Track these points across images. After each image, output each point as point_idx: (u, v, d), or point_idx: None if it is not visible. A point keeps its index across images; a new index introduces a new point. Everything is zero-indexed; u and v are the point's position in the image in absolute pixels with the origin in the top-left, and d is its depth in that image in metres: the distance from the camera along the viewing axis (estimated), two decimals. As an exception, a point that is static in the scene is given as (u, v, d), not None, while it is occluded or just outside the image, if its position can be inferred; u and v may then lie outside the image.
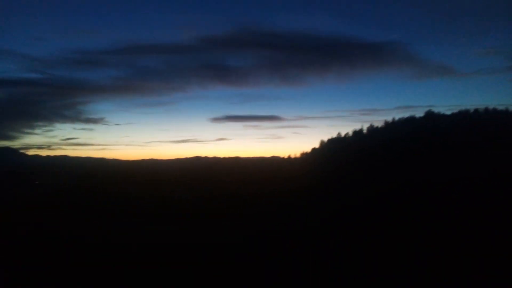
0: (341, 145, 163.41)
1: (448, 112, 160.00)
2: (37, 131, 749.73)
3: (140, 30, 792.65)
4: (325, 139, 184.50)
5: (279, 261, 26.32)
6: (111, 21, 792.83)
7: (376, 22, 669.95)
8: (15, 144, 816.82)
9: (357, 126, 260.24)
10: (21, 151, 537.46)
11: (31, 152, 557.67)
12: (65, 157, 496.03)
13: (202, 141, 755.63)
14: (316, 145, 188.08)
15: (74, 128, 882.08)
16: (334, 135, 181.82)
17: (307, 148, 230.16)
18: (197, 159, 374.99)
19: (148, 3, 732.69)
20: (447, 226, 43.26)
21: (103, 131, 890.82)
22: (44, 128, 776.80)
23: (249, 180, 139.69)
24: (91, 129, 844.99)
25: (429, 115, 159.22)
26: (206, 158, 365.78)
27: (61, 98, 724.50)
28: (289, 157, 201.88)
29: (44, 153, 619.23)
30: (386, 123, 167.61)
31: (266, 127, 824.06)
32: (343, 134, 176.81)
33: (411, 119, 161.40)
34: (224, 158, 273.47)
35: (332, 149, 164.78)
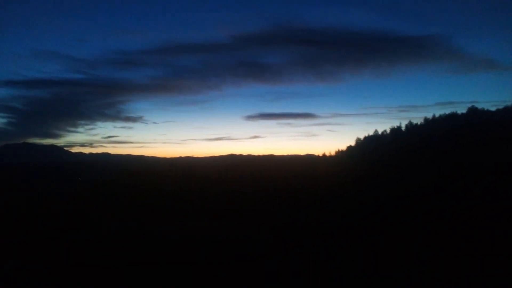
0: (378, 143, 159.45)
1: (493, 108, 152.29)
2: (80, 129, 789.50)
3: (177, 30, 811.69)
4: (361, 136, 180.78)
5: (314, 259, 25.95)
6: (150, 22, 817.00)
7: (415, 15, 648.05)
8: (60, 142, 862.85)
9: (395, 123, 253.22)
10: (66, 148, 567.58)
11: (74, 150, 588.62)
12: (106, 155, 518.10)
13: (236, 139, 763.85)
14: (352, 143, 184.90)
15: (115, 127, 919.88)
16: (371, 132, 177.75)
17: (342, 146, 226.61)
18: (232, 156, 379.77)
19: (185, 3, 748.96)
20: (494, 228, 41.08)
21: (141, 129, 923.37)
22: (87, 127, 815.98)
23: (283, 178, 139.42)
24: (130, 128, 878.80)
25: (472, 111, 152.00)
26: (240, 155, 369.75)
27: (102, 98, 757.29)
28: (323, 155, 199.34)
29: (86, 150, 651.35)
30: (426, 120, 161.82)
31: (300, 124, 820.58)
32: (380, 132, 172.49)
33: (453, 116, 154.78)
34: (258, 156, 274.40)
35: (368, 147, 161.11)
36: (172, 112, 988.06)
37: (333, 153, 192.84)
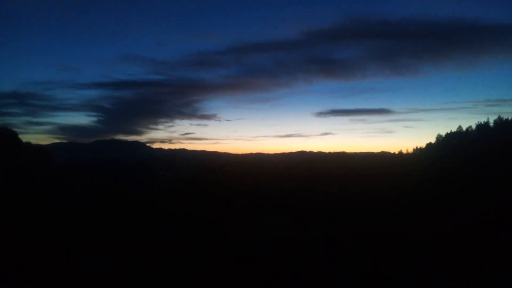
0: (462, 141, 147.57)
1: None
2: (160, 126, 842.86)
3: (249, 29, 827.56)
4: (443, 133, 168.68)
5: (389, 267, 25.28)
6: (223, 23, 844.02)
7: (503, 1, 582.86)
8: (142, 138, 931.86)
9: (481, 119, 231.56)
10: (147, 144, 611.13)
11: (155, 146, 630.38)
12: (183, 150, 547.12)
13: (306, 135, 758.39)
14: (432, 140, 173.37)
15: (191, 124, 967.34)
16: (454, 129, 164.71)
17: (421, 144, 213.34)
18: (302, 153, 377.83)
19: (256, 2, 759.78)
20: None
21: (215, 127, 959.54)
22: (166, 124, 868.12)
23: (356, 176, 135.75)
24: (205, 125, 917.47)
25: None
26: (311, 152, 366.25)
27: (180, 97, 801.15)
28: (400, 153, 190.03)
29: (166, 146, 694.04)
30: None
31: (375, 121, 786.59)
32: (464, 128, 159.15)
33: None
34: (330, 153, 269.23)
35: (451, 144, 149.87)
36: (244, 110, 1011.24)
37: (410, 150, 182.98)
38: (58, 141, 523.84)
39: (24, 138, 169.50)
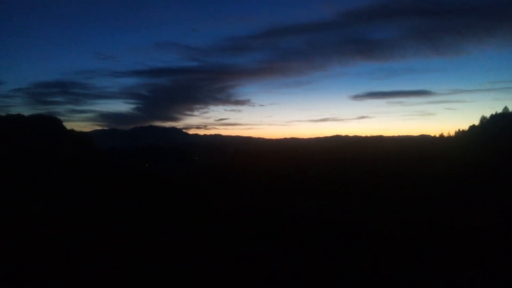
0: (507, 122, 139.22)
1: None
2: (195, 113, 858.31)
3: (282, 12, 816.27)
4: (487, 115, 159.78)
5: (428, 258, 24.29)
6: (256, 7, 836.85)
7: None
8: (179, 124, 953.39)
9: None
10: (184, 130, 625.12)
11: (191, 131, 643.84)
12: (218, 136, 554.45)
13: (342, 119, 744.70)
14: (475, 122, 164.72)
15: (225, 110, 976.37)
16: (499, 110, 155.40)
17: (464, 126, 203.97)
18: (337, 138, 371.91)
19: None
20: None
21: (249, 112, 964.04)
22: (201, 110, 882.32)
23: (395, 160, 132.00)
24: (239, 110, 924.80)
25: None
26: (346, 137, 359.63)
27: (214, 83, 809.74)
28: (441, 136, 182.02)
29: (201, 132, 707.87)
30: None
31: (414, 103, 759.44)
32: (511, 109, 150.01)
33: None
34: (366, 137, 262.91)
35: (496, 126, 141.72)
36: (278, 95, 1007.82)
37: (452, 133, 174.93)
38: (100, 128, 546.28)
39: (68, 125, 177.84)
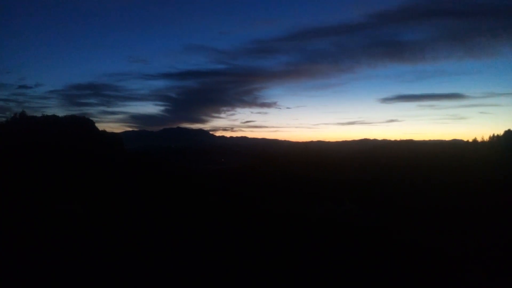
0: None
1: None
2: (222, 115, 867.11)
3: (310, 14, 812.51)
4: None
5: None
6: (283, 9, 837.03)
7: None
8: (206, 126, 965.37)
9: None
10: (211, 132, 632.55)
11: (218, 134, 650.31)
12: (244, 138, 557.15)
13: (370, 123, 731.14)
14: (511, 126, 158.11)
15: (252, 112, 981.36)
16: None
17: (498, 131, 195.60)
18: (365, 141, 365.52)
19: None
20: None
21: (275, 114, 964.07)
22: (228, 113, 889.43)
23: (426, 166, 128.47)
24: (265, 113, 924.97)
25: None
26: (374, 140, 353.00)
27: (241, 85, 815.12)
28: (474, 141, 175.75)
29: (228, 134, 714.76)
30: None
31: (445, 106, 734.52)
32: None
33: None
34: (395, 141, 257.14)
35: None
36: (304, 97, 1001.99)
37: (486, 138, 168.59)
38: (130, 129, 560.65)
39: (100, 126, 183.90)
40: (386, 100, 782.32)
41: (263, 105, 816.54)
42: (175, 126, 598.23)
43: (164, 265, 18.11)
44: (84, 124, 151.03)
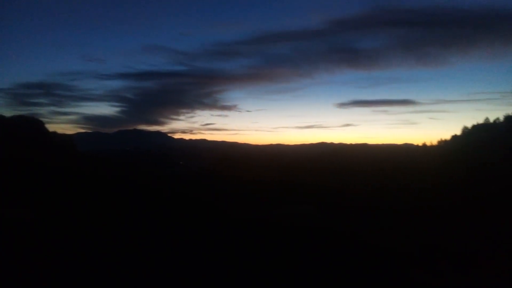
0: (489, 133, 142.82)
1: None
2: (181, 117, 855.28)
3: (271, 18, 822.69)
4: (469, 125, 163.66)
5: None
6: (245, 13, 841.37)
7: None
8: (164, 128, 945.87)
9: (510, 110, 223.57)
10: (169, 134, 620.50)
11: (176, 136, 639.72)
12: (204, 141, 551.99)
13: (327, 126, 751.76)
14: (457, 132, 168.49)
15: (212, 115, 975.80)
16: (481, 120, 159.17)
17: (446, 136, 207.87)
18: (323, 145, 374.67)
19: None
20: None
21: (236, 117, 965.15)
22: (187, 115, 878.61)
23: (378, 169, 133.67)
24: (225, 116, 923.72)
25: None
26: (331, 144, 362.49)
27: (201, 88, 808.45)
28: (424, 145, 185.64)
29: (187, 136, 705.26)
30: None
31: (398, 112, 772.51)
32: (492, 120, 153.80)
33: None
34: (351, 145, 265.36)
35: (477, 136, 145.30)
36: (264, 101, 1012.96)
37: (435, 142, 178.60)
38: (83, 130, 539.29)
39: (51, 127, 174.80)
40: (343, 105, 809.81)
41: (223, 108, 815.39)
42: (131, 127, 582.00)
43: (116, 274, 17.34)
44: (33, 125, 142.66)
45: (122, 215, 36.94)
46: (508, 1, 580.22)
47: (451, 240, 36.13)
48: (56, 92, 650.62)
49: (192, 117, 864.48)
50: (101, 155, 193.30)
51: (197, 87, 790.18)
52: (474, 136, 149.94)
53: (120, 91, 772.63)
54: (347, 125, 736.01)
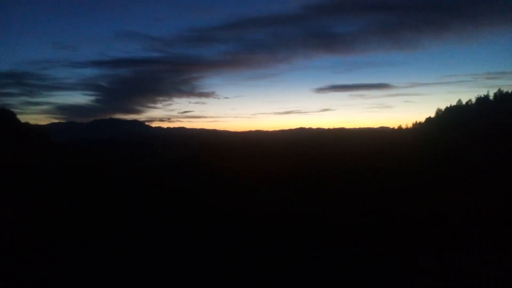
0: (462, 114, 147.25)
1: None
2: (159, 105, 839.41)
3: (248, 3, 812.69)
4: (442, 107, 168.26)
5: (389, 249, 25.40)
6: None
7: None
8: (141, 117, 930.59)
9: (481, 92, 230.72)
10: (146, 123, 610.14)
11: (154, 124, 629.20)
12: (182, 129, 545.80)
13: (306, 112, 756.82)
14: (431, 114, 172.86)
15: (190, 102, 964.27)
16: (453, 103, 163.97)
17: (421, 118, 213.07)
18: (301, 130, 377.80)
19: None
20: None
21: (214, 104, 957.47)
22: (165, 103, 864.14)
23: (355, 153, 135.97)
24: (203, 103, 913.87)
25: None
26: (310, 129, 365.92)
27: (178, 74, 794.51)
28: (399, 128, 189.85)
29: (165, 125, 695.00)
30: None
31: (374, 96, 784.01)
32: (464, 102, 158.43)
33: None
34: (329, 129, 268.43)
35: (450, 118, 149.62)
36: (243, 87, 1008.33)
37: (410, 125, 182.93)
38: (57, 121, 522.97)
39: (23, 118, 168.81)
40: (320, 90, 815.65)
41: (201, 94, 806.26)
42: (107, 117, 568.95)
43: (97, 270, 17.14)
44: (4, 116, 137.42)
45: (100, 208, 36.38)
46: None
47: (423, 216, 37.42)
48: (27, 81, 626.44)
49: (169, 105, 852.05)
50: (76, 146, 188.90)
51: (174, 74, 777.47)
52: (447, 118, 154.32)
53: (94, 79, 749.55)
54: (325, 110, 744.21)
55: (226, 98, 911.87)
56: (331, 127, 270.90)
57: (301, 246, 23.18)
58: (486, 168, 70.82)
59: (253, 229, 29.60)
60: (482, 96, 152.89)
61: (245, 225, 31.08)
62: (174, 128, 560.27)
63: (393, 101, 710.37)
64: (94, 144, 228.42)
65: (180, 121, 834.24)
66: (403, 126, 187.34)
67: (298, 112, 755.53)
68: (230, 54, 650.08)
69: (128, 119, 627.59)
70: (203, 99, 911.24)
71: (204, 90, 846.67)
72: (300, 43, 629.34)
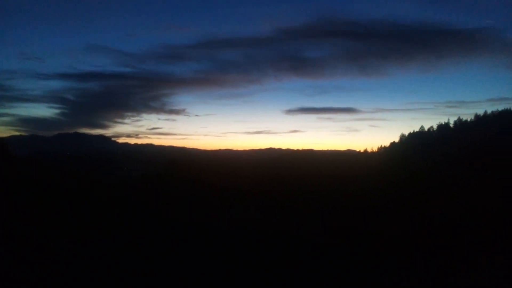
0: (424, 140, 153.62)
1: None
2: (127, 120, 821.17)
3: (221, 24, 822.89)
4: (406, 133, 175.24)
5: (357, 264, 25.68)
6: (195, 17, 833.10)
7: (466, 6, 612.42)
8: (108, 132, 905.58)
9: (442, 120, 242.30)
10: (113, 139, 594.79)
11: (121, 140, 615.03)
12: (150, 146, 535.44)
13: (276, 132, 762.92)
14: (396, 139, 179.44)
15: (159, 119, 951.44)
16: (416, 129, 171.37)
17: (385, 142, 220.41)
18: (271, 150, 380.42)
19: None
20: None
21: (184, 122, 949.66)
22: (133, 118, 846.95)
23: (322, 174, 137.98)
24: (173, 120, 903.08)
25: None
26: (279, 149, 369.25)
27: (148, 91, 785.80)
28: (365, 151, 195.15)
29: (132, 141, 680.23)
30: (477, 116, 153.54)
31: (342, 119, 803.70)
32: (426, 128, 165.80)
33: (506, 113, 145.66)
34: (298, 150, 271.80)
35: (413, 144, 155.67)
36: (214, 105, 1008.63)
37: (375, 149, 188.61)
38: (18, 133, 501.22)
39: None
40: (290, 111, 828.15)
41: (171, 112, 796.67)
42: (72, 131, 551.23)
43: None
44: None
45: (58, 222, 34.70)
46: (441, 18, 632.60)
47: (384, 235, 38.18)
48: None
49: (138, 120, 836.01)
50: (38, 159, 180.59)
51: (144, 90, 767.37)
52: (410, 143, 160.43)
53: (60, 92, 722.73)
54: (295, 131, 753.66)
55: (196, 116, 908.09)
56: (300, 148, 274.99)
57: (262, 260, 22.97)
58: (446, 190, 73.68)
59: (218, 246, 29.09)
60: (443, 123, 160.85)
61: (210, 242, 30.52)
62: (142, 145, 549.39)
63: (359, 125, 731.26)
64: (55, 158, 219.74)
65: (149, 138, 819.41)
66: (369, 150, 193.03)
67: (268, 132, 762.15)
68: (202, 73, 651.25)
69: (94, 133, 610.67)
70: (173, 116, 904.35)
71: (174, 107, 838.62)
72: (272, 65, 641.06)
